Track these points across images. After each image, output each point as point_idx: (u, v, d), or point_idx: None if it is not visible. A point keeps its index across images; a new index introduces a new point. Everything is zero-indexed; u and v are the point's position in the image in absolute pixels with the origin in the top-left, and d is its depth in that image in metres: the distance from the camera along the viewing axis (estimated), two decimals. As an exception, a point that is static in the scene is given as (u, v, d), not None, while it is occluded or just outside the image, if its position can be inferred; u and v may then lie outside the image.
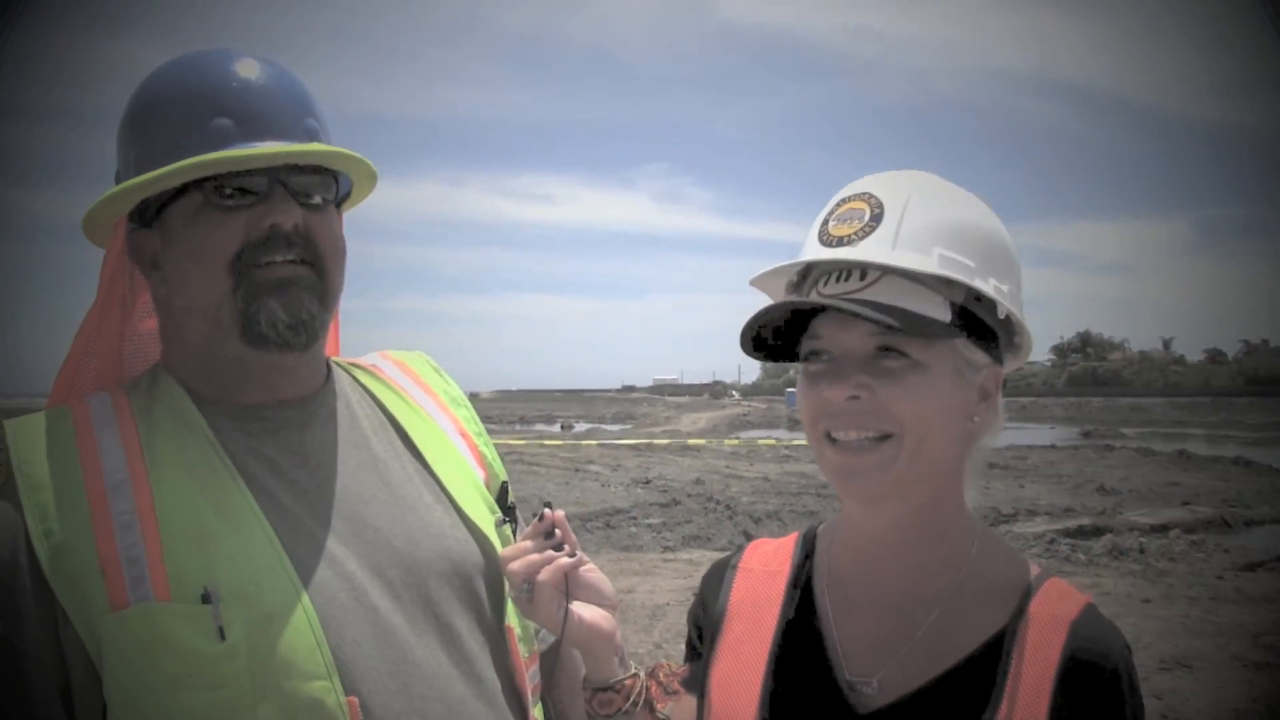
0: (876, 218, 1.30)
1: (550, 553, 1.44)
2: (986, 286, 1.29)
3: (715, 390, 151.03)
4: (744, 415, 64.84)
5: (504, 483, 1.69)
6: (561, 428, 54.48)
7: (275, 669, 1.28)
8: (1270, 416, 57.14)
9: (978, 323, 1.31)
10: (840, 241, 1.31)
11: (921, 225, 1.29)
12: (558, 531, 1.46)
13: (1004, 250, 1.34)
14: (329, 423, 1.53)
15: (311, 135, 1.47)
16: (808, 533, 1.56)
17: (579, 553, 1.47)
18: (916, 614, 1.35)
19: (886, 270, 1.27)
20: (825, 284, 1.33)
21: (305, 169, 1.44)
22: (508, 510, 1.66)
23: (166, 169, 1.36)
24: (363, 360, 1.74)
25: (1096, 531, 14.98)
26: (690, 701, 1.49)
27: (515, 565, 1.43)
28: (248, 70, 1.44)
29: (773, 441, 34.74)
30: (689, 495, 18.59)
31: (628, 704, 1.44)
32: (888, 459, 1.29)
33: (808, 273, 1.37)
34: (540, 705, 1.64)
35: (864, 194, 1.33)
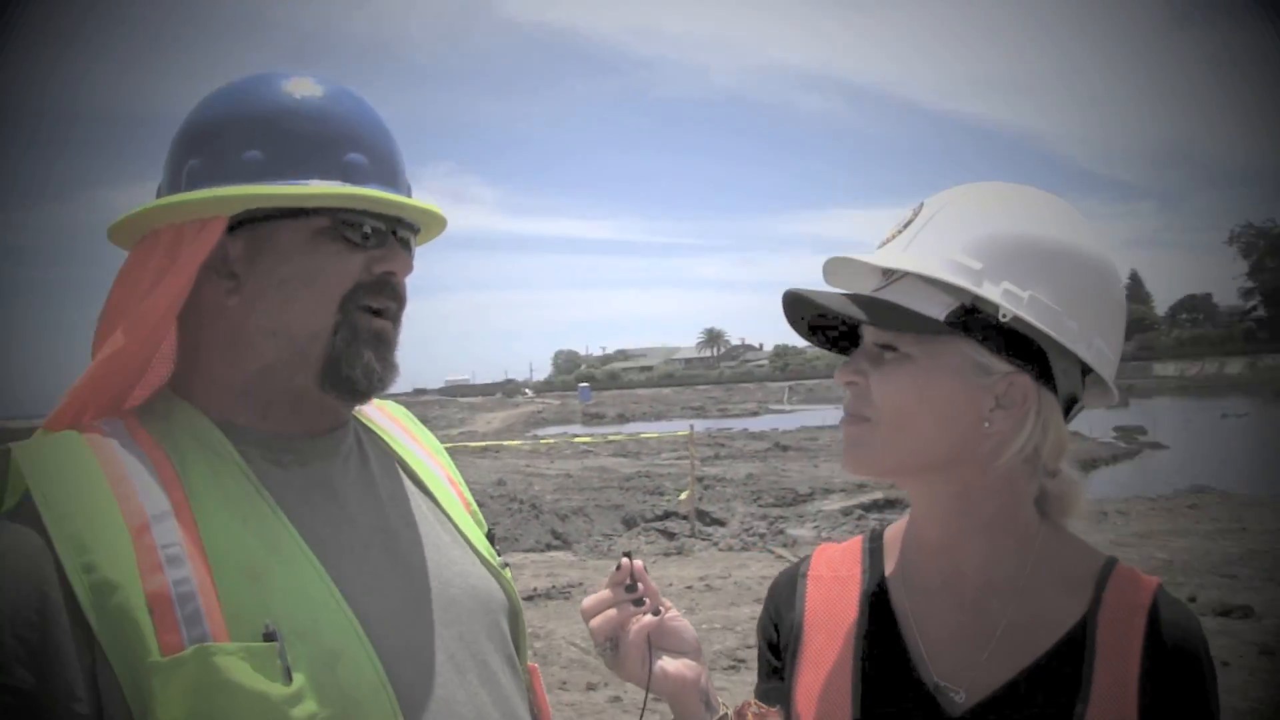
0: (909, 223, 1.38)
1: (632, 608, 1.41)
2: (988, 290, 1.28)
3: (508, 389, 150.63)
4: (538, 413, 64.94)
5: (490, 530, 1.67)
6: (353, 436, 53.00)
7: (345, 711, 1.21)
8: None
9: (992, 327, 1.30)
10: (883, 244, 1.40)
11: (941, 231, 1.34)
12: (640, 585, 1.42)
13: (1044, 258, 1.32)
14: (350, 457, 1.47)
15: (409, 186, 1.49)
16: (872, 535, 1.59)
17: (661, 603, 1.43)
18: (992, 606, 1.38)
19: (897, 272, 1.34)
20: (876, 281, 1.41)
21: (405, 223, 1.45)
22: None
23: (330, 190, 1.34)
24: None
25: (889, 504, 15.58)
26: None
27: (597, 623, 1.41)
28: (371, 112, 1.45)
29: (588, 439, 34.75)
30: (491, 497, 18.33)
31: None
32: (862, 440, 1.37)
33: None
34: None
35: (920, 202, 1.41)
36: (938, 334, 1.31)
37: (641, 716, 1.45)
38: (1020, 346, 1.30)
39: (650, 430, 35.67)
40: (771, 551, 12.10)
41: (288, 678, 1.18)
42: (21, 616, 1.14)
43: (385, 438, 1.61)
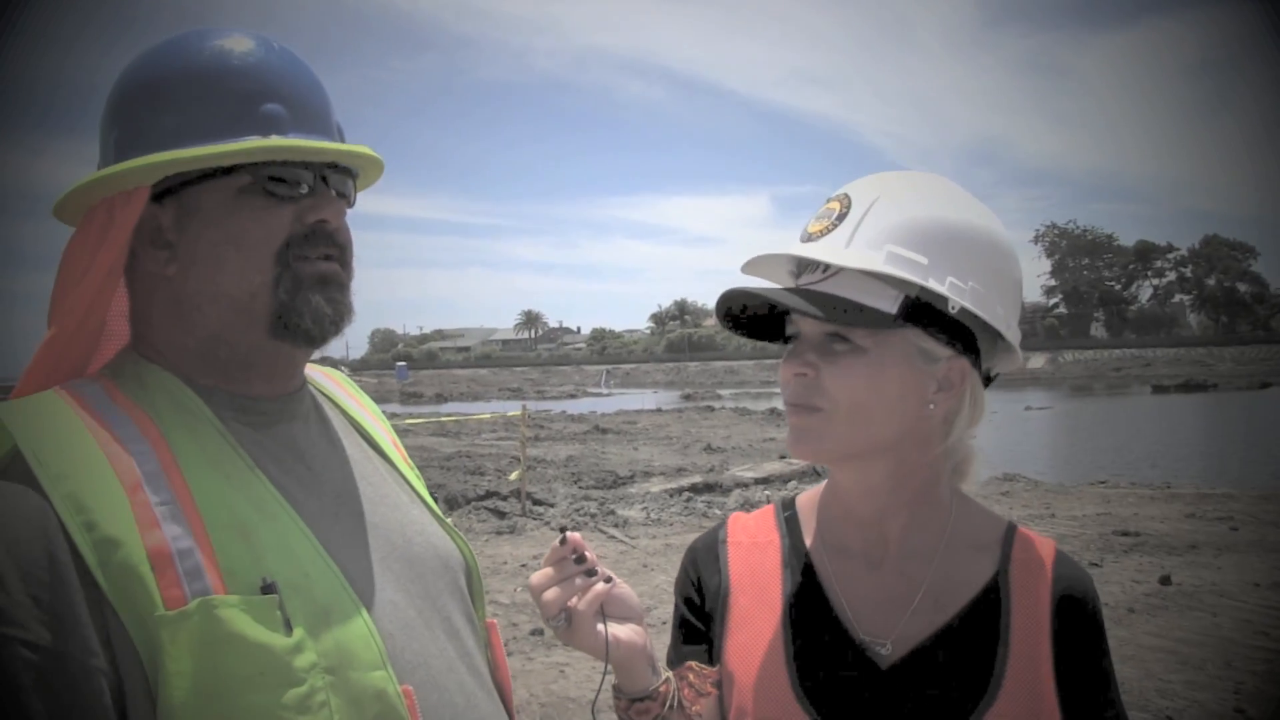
0: (842, 216, 1.41)
1: (581, 579, 1.43)
2: (936, 283, 1.35)
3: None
4: (355, 391, 63.17)
5: (433, 494, 1.65)
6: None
7: (341, 661, 1.23)
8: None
9: (936, 316, 1.38)
10: (810, 237, 1.44)
11: (879, 225, 1.38)
12: (589, 555, 1.44)
13: (975, 249, 1.40)
14: (310, 418, 1.49)
15: (340, 132, 1.46)
16: (785, 504, 1.67)
17: (609, 574, 1.46)
18: (914, 569, 1.48)
19: (841, 266, 1.38)
20: (802, 274, 1.45)
21: (339, 166, 1.42)
22: None
23: (241, 146, 1.30)
24: None
25: (709, 488, 16.05)
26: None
27: (548, 595, 1.42)
28: (289, 57, 1.41)
29: (421, 420, 34.24)
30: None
31: (664, 709, 1.46)
32: (814, 429, 1.41)
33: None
34: None
35: (842, 194, 1.45)
36: (889, 326, 1.37)
37: (601, 684, 1.49)
38: (958, 332, 1.40)
39: (483, 412, 35.40)
40: (603, 531, 12.29)
41: (288, 629, 1.19)
42: (33, 575, 1.12)
43: (335, 400, 1.62)
